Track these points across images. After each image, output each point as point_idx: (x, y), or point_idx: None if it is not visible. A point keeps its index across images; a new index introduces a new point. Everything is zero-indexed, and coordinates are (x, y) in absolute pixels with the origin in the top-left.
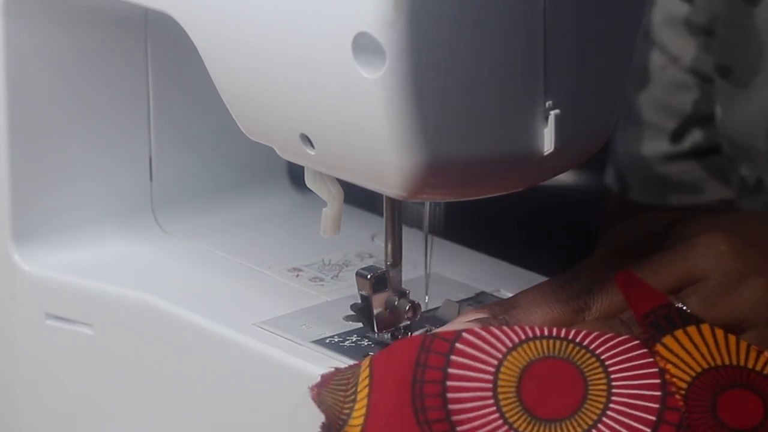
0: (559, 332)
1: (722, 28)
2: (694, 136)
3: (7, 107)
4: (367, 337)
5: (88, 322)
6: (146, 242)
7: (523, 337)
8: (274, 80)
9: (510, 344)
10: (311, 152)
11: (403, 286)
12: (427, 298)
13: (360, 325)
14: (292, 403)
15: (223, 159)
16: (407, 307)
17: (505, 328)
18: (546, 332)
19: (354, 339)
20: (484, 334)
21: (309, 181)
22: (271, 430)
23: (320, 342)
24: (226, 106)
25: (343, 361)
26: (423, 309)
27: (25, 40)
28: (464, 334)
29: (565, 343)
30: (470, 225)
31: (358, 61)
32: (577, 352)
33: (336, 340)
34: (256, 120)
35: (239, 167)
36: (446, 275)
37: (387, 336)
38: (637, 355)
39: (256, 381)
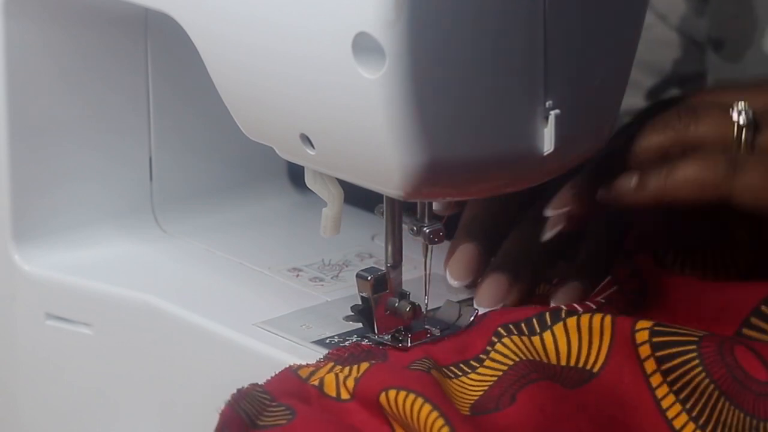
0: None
1: (717, 1)
2: (671, 95)
3: (7, 107)
4: (367, 338)
5: (88, 322)
6: (146, 242)
7: None
8: (274, 80)
9: None
10: (311, 152)
11: (403, 287)
12: (426, 299)
13: (360, 325)
14: None
15: (223, 159)
16: (408, 308)
17: None
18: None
19: (354, 339)
20: None
21: (309, 181)
22: None
23: (320, 342)
24: (226, 106)
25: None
26: (423, 310)
27: (25, 40)
28: None
29: None
30: None
31: (358, 61)
32: None
33: (336, 340)
34: (256, 120)
35: (239, 167)
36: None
37: (387, 337)
38: None
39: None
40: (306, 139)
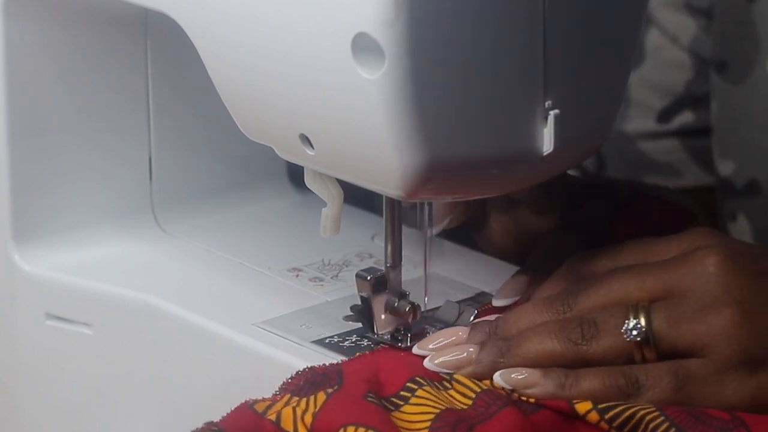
0: None
1: (720, 22)
2: (685, 117)
3: (7, 107)
4: (366, 337)
5: (88, 322)
6: (146, 242)
7: None
8: (273, 80)
9: None
10: (311, 152)
11: (402, 287)
12: (426, 299)
13: (360, 325)
14: None
15: (223, 159)
16: (407, 308)
17: None
18: None
19: (354, 339)
20: None
21: (309, 181)
22: None
23: (320, 342)
24: (226, 106)
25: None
26: (422, 309)
27: (25, 40)
28: None
29: None
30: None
31: (357, 61)
32: None
33: (336, 340)
34: (256, 120)
35: (239, 167)
36: (446, 275)
37: (387, 336)
38: None
39: (256, 381)
40: (306, 139)
